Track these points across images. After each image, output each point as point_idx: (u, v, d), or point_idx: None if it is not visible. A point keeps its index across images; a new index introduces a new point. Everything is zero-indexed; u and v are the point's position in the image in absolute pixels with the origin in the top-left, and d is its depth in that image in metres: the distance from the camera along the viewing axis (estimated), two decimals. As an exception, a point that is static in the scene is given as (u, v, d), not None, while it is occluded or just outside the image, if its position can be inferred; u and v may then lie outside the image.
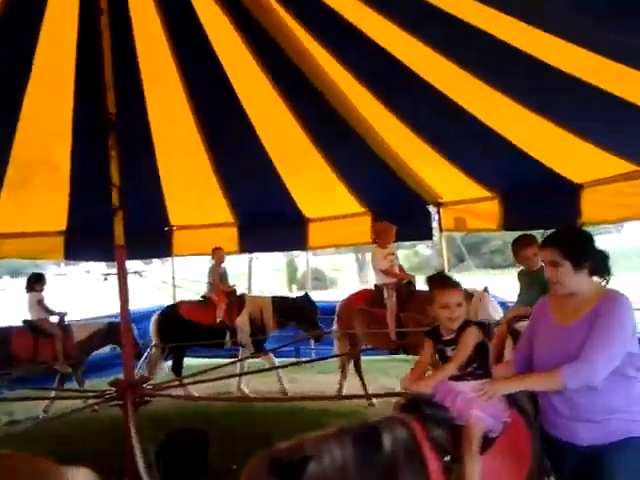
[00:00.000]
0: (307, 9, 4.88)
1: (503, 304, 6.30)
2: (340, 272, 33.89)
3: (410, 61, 4.88)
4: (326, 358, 7.57)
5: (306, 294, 7.62)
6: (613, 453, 2.41)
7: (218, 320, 7.43)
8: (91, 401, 4.91)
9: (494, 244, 29.65)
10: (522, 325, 3.92)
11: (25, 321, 7.06)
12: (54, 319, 7.16)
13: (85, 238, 7.63)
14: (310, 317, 7.36)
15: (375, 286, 6.68)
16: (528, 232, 4.80)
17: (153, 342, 7.55)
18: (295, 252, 17.09)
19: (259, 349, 7.48)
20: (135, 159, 6.27)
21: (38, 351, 6.88)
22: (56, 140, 6.32)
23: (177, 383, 6.53)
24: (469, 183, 6.62)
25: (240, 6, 5.12)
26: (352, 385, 7.02)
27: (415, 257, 32.80)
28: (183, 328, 7.35)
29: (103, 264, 8.20)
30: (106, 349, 7.68)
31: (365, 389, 6.92)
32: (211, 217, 8.38)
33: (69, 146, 6.43)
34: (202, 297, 7.87)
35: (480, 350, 2.70)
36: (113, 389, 4.23)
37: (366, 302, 6.72)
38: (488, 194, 6.69)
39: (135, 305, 7.63)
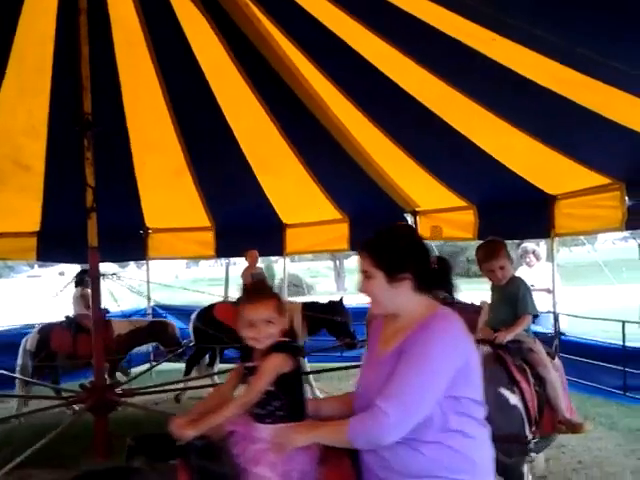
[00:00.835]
0: (287, 16, 4.88)
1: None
2: (317, 279, 33.90)
3: (390, 71, 4.90)
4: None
5: (340, 299, 7.31)
6: None
7: None
8: (57, 402, 4.85)
9: (471, 253, 29.90)
10: (487, 350, 3.43)
11: (66, 317, 7.18)
12: None
13: (59, 239, 7.50)
14: (341, 325, 7.02)
15: None
16: (497, 238, 3.92)
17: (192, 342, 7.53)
18: (273, 258, 16.99)
19: None
20: (111, 160, 6.19)
21: (77, 346, 6.90)
22: (28, 139, 6.21)
23: (151, 389, 6.42)
24: (446, 192, 6.68)
25: (219, 8, 5.11)
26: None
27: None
28: (216, 330, 7.13)
29: (78, 266, 8.06)
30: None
31: None
32: (188, 221, 8.31)
33: (44, 145, 6.33)
34: (237, 300, 7.71)
35: (284, 384, 2.02)
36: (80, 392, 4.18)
37: None
38: (464, 204, 6.76)
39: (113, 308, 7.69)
